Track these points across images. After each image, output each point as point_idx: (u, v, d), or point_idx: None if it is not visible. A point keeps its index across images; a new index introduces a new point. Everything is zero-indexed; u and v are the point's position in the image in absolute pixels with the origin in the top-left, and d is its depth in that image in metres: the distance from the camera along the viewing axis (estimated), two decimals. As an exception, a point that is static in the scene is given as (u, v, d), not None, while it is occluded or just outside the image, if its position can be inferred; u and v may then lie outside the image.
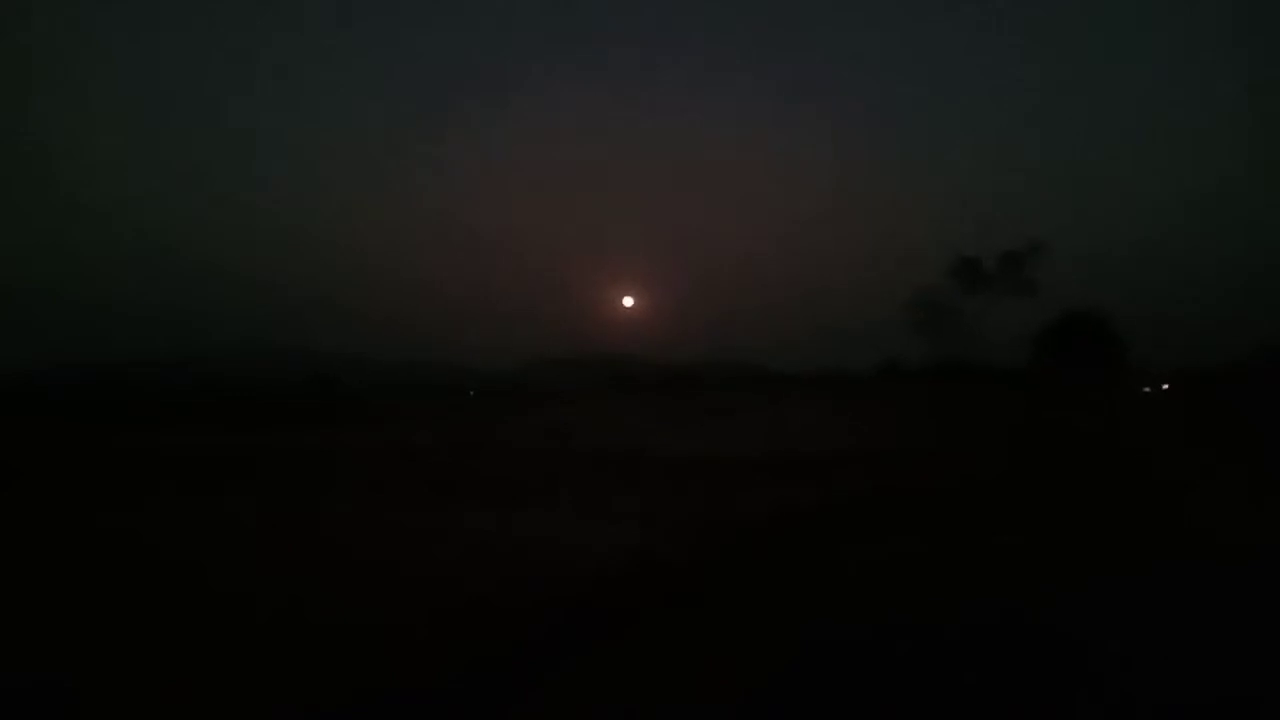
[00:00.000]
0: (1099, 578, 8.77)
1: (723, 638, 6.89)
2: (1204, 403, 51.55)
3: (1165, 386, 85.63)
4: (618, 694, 5.77)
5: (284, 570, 9.22)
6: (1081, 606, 7.64)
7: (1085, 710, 5.43)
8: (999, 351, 77.12)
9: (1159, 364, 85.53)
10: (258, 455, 23.59)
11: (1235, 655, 6.38)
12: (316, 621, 7.21)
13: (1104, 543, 10.60)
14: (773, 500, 14.27)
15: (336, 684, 5.82)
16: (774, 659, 6.39)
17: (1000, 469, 18.99)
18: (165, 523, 12.49)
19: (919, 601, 7.89)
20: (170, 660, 6.26)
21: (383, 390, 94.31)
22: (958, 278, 75.55)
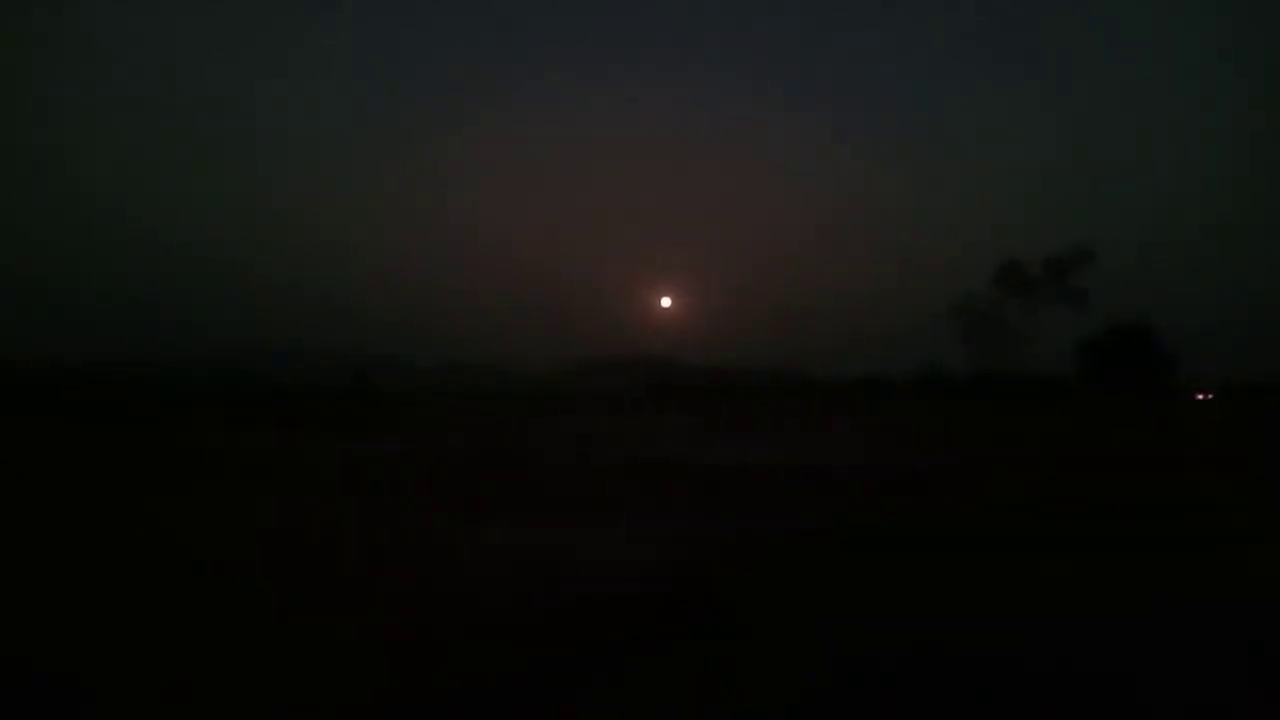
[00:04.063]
0: (1135, 606, 8.38)
1: (753, 657, 6.66)
2: (1246, 417, 49.75)
3: (1210, 396, 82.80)
4: (644, 712, 5.58)
5: (306, 576, 9.21)
6: (1127, 634, 7.25)
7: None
8: (1044, 360, 75.67)
9: (1212, 374, 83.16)
10: (288, 458, 23.75)
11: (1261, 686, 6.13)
12: (335, 629, 7.13)
13: (1137, 571, 10.13)
14: (810, 515, 13.93)
15: (350, 695, 5.72)
16: (807, 678, 6.16)
17: (1040, 486, 18.36)
18: (190, 524, 12.58)
19: (958, 622, 7.54)
20: (184, 665, 6.18)
21: (421, 394, 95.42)
22: (1003, 283, 74.23)
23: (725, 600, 8.66)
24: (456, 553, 10.87)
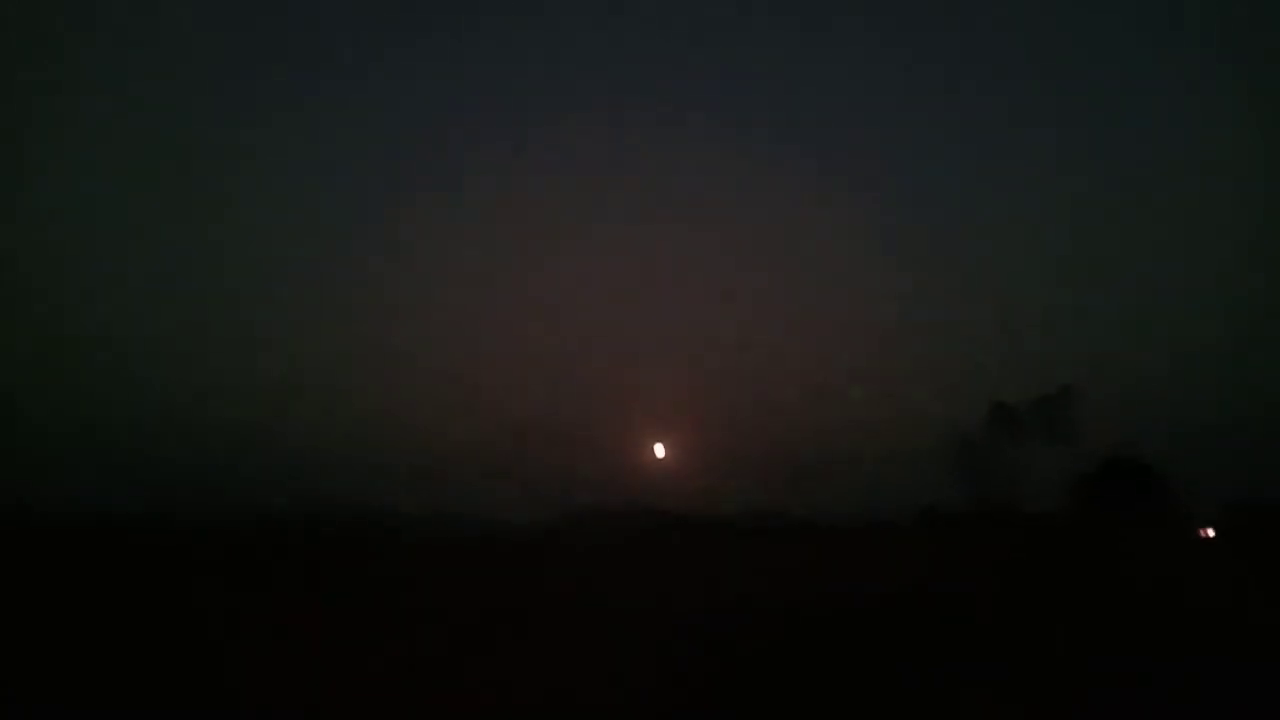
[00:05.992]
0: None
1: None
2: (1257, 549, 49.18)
3: (1211, 533, 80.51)
4: None
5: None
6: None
7: None
8: (1040, 499, 75.21)
9: (1214, 503, 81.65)
10: (270, 614, 23.13)
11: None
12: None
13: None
14: (808, 660, 13.66)
15: None
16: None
17: (1041, 619, 18.12)
18: (184, 673, 12.29)
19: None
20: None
21: (406, 546, 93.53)
22: (995, 426, 74.90)
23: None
24: (447, 701, 10.60)
